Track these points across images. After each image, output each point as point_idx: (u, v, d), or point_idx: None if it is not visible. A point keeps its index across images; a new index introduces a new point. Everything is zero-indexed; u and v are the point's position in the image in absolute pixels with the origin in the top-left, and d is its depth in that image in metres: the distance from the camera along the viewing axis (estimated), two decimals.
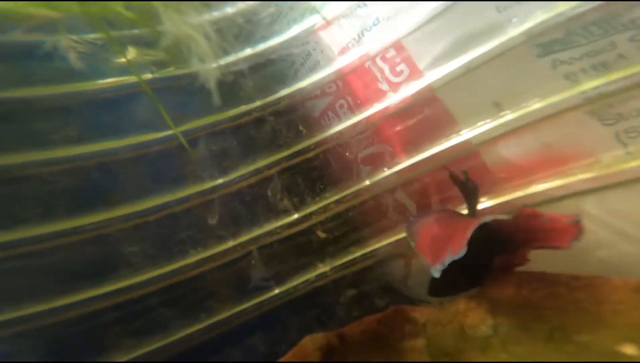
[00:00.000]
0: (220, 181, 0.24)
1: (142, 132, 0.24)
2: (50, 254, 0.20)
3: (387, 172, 0.25)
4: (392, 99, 0.25)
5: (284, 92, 0.27)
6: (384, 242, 0.25)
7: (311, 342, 0.18)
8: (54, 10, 0.23)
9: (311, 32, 0.27)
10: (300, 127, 0.27)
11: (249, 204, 0.24)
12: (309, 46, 0.27)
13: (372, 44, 0.25)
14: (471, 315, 0.20)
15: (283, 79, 0.27)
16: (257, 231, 0.24)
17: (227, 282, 0.24)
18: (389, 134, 0.25)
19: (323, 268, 0.25)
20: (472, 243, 0.17)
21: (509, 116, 0.22)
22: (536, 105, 0.22)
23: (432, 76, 0.24)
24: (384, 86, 0.25)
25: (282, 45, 0.28)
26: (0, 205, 0.20)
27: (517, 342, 0.18)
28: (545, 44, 0.22)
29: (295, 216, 0.25)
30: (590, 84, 0.21)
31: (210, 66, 0.27)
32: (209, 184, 0.24)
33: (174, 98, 0.26)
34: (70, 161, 0.22)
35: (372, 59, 0.26)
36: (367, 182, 0.25)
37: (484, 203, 0.23)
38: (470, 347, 0.19)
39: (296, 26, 0.27)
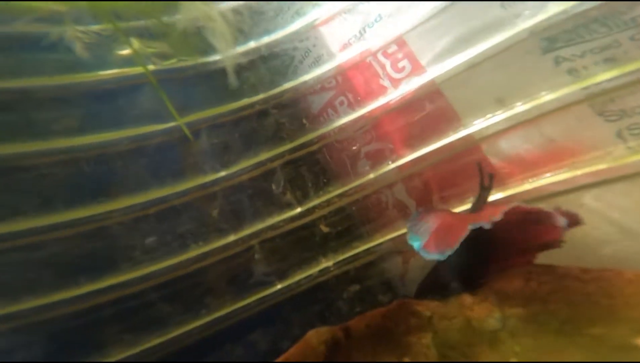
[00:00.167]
0: (222, 173, 0.24)
1: (143, 123, 0.24)
2: (48, 247, 0.20)
3: (390, 166, 0.25)
4: (394, 94, 0.25)
5: (288, 85, 0.27)
6: (387, 237, 0.25)
7: (316, 336, 0.18)
8: (60, 3, 0.23)
9: (314, 26, 0.27)
10: (304, 121, 0.26)
11: (251, 197, 0.24)
12: (311, 40, 0.27)
13: (374, 40, 0.25)
14: (477, 309, 0.20)
15: (287, 73, 0.27)
16: (260, 225, 0.24)
17: (228, 277, 0.23)
18: (391, 129, 0.25)
19: (326, 263, 0.24)
20: (463, 244, 0.17)
21: (511, 111, 0.22)
22: (539, 100, 0.22)
23: (435, 71, 0.24)
24: (385, 82, 0.25)
25: (285, 38, 0.27)
26: None
27: (527, 335, 0.18)
28: (548, 40, 0.21)
29: (299, 209, 0.24)
30: (592, 80, 0.21)
31: (216, 58, 0.27)
32: (211, 177, 0.24)
33: (176, 90, 0.25)
34: (70, 152, 0.21)
35: (374, 54, 0.25)
36: (371, 175, 0.25)
37: (492, 196, 0.23)
38: (479, 341, 0.18)
39: (300, 20, 0.27)
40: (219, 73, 0.27)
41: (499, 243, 0.20)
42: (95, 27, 0.24)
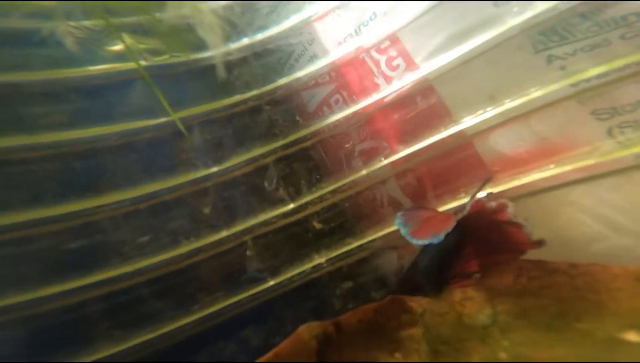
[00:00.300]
0: (214, 169, 0.24)
1: (134, 119, 0.23)
2: (36, 241, 0.20)
3: (383, 162, 0.25)
4: (387, 91, 0.25)
5: (281, 81, 0.27)
6: (380, 234, 0.25)
7: (307, 331, 0.18)
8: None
9: (308, 23, 0.27)
10: (297, 117, 0.26)
11: (244, 193, 0.24)
12: (306, 37, 0.27)
13: (368, 37, 0.25)
14: (469, 305, 0.20)
15: (280, 69, 0.27)
16: (252, 221, 0.24)
17: (221, 273, 0.23)
18: (384, 126, 0.25)
19: (319, 260, 0.24)
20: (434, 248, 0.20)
21: (502, 108, 0.22)
22: (529, 96, 0.22)
23: (428, 68, 0.24)
24: (379, 79, 0.25)
25: (279, 35, 0.27)
26: None
27: (517, 330, 0.18)
28: (541, 39, 0.22)
29: (291, 206, 0.24)
30: (582, 76, 0.21)
31: (208, 54, 0.26)
32: (203, 173, 0.23)
33: (168, 86, 0.25)
34: (59, 146, 0.21)
35: (369, 52, 0.26)
36: (364, 172, 0.25)
37: (482, 192, 0.23)
38: (470, 336, 0.18)
39: (294, 17, 0.27)
40: (211, 69, 0.27)
41: (468, 237, 0.21)
42: (87, 23, 0.24)
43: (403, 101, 0.25)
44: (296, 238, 0.24)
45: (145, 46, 0.26)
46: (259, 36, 0.27)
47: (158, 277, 0.22)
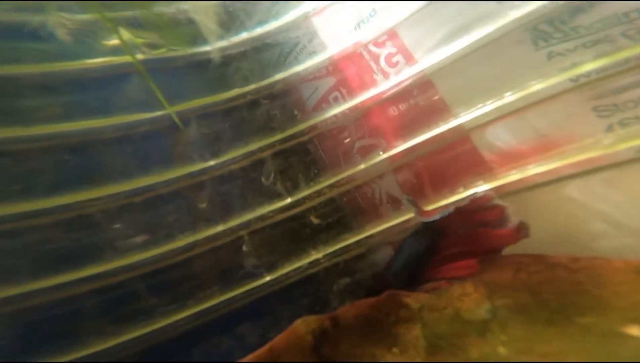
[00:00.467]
0: (211, 163, 0.23)
1: (130, 112, 0.23)
2: (28, 234, 0.19)
3: (381, 156, 0.24)
4: (386, 86, 0.25)
5: (279, 76, 0.26)
6: (378, 229, 0.24)
7: (303, 325, 0.17)
8: None
9: (307, 18, 0.27)
10: (295, 111, 0.26)
11: (241, 187, 0.24)
12: (305, 31, 0.27)
13: (367, 32, 0.25)
14: (467, 300, 0.19)
15: (279, 63, 0.27)
16: (249, 216, 0.23)
17: (216, 268, 0.23)
18: (382, 121, 0.25)
19: (316, 255, 0.24)
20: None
21: (500, 102, 0.22)
22: (528, 90, 0.22)
23: (426, 62, 0.24)
24: (377, 73, 0.25)
25: (279, 29, 0.27)
26: None
27: (517, 325, 0.17)
28: (541, 35, 0.21)
29: (289, 200, 0.24)
30: (582, 69, 0.21)
31: (209, 47, 0.26)
32: (199, 166, 0.23)
33: (166, 80, 0.25)
34: (53, 138, 0.21)
35: (366, 46, 0.25)
36: (362, 166, 0.25)
37: (478, 187, 0.23)
38: (468, 331, 0.18)
39: (293, 11, 0.27)
40: (209, 63, 0.27)
41: (444, 252, 0.22)
42: (83, 16, 0.24)
43: (401, 95, 0.25)
44: (293, 233, 0.24)
45: (143, 40, 0.26)
46: (259, 30, 0.27)
47: (152, 271, 0.21)
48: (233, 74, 0.26)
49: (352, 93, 0.26)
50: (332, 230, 0.24)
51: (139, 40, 0.26)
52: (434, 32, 0.24)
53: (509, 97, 0.22)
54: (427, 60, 0.24)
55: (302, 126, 0.25)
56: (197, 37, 0.27)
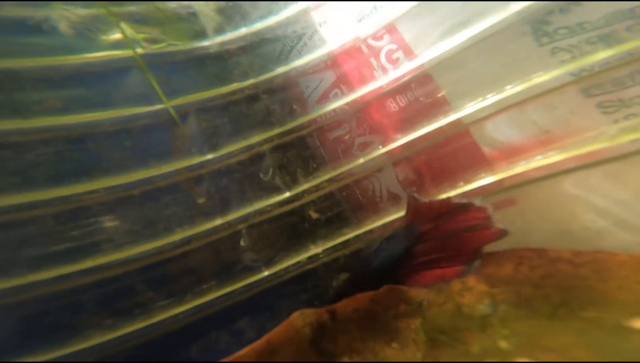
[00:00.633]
0: (209, 156, 0.23)
1: (129, 105, 0.23)
2: (26, 225, 0.19)
3: (380, 150, 0.24)
4: (385, 80, 0.24)
5: (279, 70, 0.26)
6: (378, 223, 0.24)
7: (301, 318, 0.17)
8: None
9: (307, 12, 0.27)
10: (294, 106, 0.26)
11: (239, 181, 0.23)
12: (304, 26, 0.27)
13: (366, 27, 0.25)
14: (468, 295, 0.19)
15: (278, 58, 0.27)
16: (247, 209, 0.23)
17: (214, 262, 0.22)
18: (382, 115, 0.25)
19: (315, 250, 0.24)
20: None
21: (500, 96, 0.22)
22: (529, 83, 0.21)
23: (425, 56, 0.23)
24: (376, 68, 0.25)
25: (278, 25, 0.27)
26: None
27: (519, 320, 0.17)
28: (544, 31, 0.21)
29: (287, 194, 0.24)
30: (586, 61, 0.20)
31: (208, 42, 0.26)
32: (198, 160, 0.23)
33: (165, 74, 0.25)
34: (52, 131, 0.21)
35: (367, 43, 0.25)
36: (361, 160, 0.24)
37: (480, 181, 0.22)
38: (469, 326, 0.18)
39: (293, 6, 0.27)
40: (209, 58, 0.27)
41: (422, 257, 0.22)
42: (87, 11, 0.24)
43: (401, 90, 0.24)
44: (292, 228, 0.24)
45: (144, 35, 0.26)
46: (258, 25, 0.27)
47: (150, 265, 0.21)
48: (232, 69, 0.26)
49: (351, 88, 0.26)
50: (331, 225, 0.24)
51: (140, 35, 0.26)
52: (434, 27, 0.24)
53: (509, 91, 0.22)
54: (427, 54, 0.24)
55: (301, 121, 0.25)
56: (198, 32, 0.27)
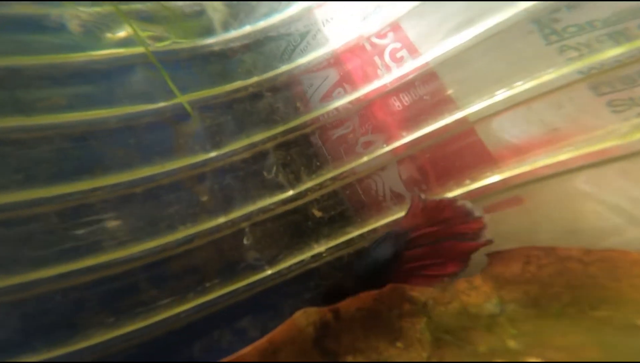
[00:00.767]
0: (213, 154, 0.23)
1: (133, 103, 0.23)
2: (28, 223, 0.19)
3: (384, 149, 0.24)
4: (389, 78, 0.24)
5: (282, 68, 0.26)
6: (381, 222, 0.24)
7: (304, 317, 0.17)
8: None
9: (310, 11, 0.27)
10: (298, 104, 0.26)
11: (242, 179, 0.23)
12: (308, 24, 0.27)
13: (370, 24, 0.25)
14: (474, 294, 0.19)
15: (282, 56, 0.27)
16: (250, 207, 0.23)
17: (217, 261, 0.22)
18: (386, 113, 0.25)
19: (318, 249, 0.23)
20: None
21: (507, 94, 0.22)
22: (538, 80, 0.21)
23: (430, 54, 0.23)
24: (380, 66, 0.25)
25: (281, 23, 0.27)
26: None
27: (527, 319, 0.17)
28: (550, 25, 0.21)
29: (290, 192, 0.24)
30: (595, 58, 0.20)
31: (213, 40, 0.26)
32: (201, 157, 0.23)
33: (170, 72, 0.25)
34: (55, 128, 0.21)
35: (369, 38, 0.25)
36: (365, 159, 0.24)
37: (486, 179, 0.22)
38: (475, 326, 0.17)
39: (297, 5, 0.27)
40: (213, 56, 0.27)
41: (408, 264, 0.21)
42: (96, 9, 0.24)
43: (405, 88, 0.24)
44: (295, 226, 0.24)
45: (149, 33, 0.26)
46: (262, 24, 0.27)
47: (153, 263, 0.21)
48: (236, 67, 0.26)
49: (355, 86, 0.26)
50: (334, 223, 0.24)
51: (144, 33, 0.26)
52: (439, 25, 0.23)
53: (515, 89, 0.22)
54: (431, 52, 0.23)
55: (304, 119, 0.25)
56: (204, 30, 0.27)
